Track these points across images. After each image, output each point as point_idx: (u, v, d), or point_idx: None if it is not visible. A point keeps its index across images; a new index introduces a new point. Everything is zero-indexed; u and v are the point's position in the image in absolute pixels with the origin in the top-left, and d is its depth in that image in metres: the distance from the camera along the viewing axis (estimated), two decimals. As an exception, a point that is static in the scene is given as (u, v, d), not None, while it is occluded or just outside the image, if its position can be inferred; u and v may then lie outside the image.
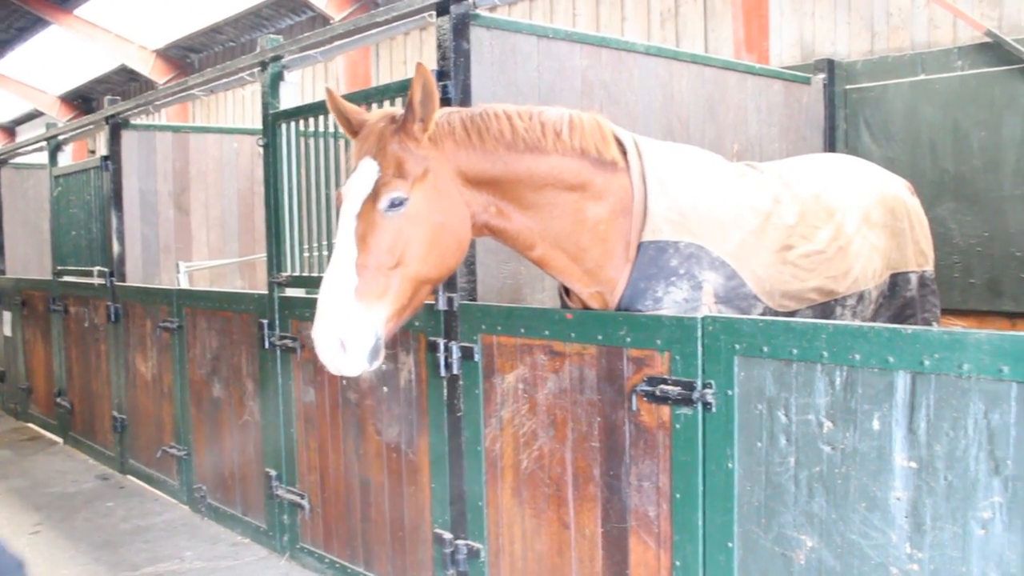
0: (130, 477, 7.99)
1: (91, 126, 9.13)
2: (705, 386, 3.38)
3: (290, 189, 5.64)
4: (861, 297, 4.49)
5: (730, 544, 3.37)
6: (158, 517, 6.99)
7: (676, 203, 3.79)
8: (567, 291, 4.12)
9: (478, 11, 4.45)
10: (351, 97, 4.72)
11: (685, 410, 3.45)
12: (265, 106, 5.85)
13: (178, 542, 6.44)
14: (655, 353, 3.55)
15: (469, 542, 4.47)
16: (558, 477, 4.00)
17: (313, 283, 5.57)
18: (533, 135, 3.65)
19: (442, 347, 4.44)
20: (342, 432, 5.28)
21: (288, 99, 5.90)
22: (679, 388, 3.45)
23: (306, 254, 5.62)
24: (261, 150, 5.91)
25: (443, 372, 4.45)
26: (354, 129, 3.73)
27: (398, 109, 3.70)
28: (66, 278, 9.07)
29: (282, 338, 5.66)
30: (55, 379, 9.55)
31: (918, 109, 6.71)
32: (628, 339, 3.64)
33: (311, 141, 5.45)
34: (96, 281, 8.27)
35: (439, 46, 4.43)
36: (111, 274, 8.04)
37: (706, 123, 5.81)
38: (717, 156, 4.36)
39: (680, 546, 3.52)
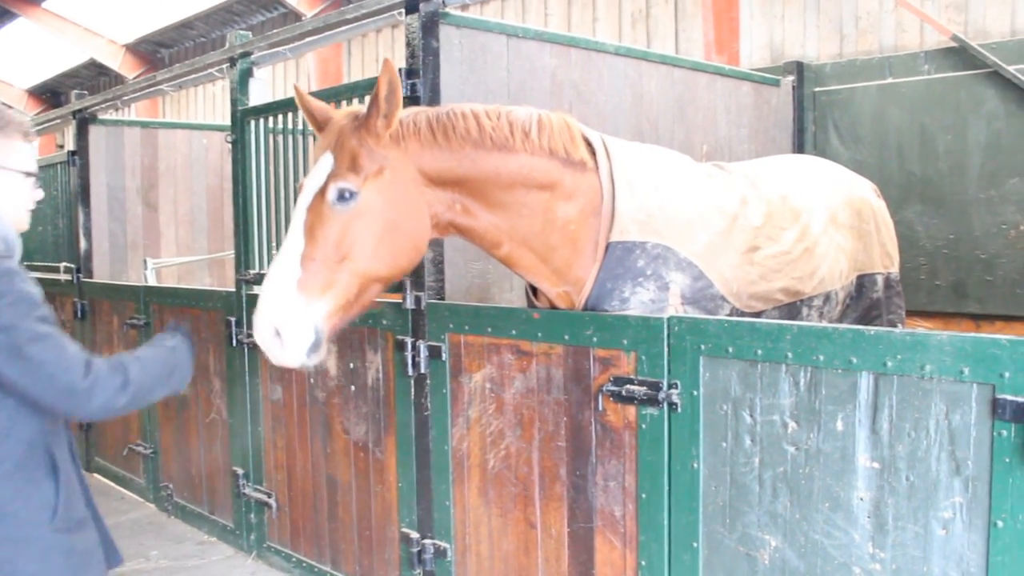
0: (96, 475, 7.91)
1: (58, 120, 9.02)
2: (671, 386, 3.40)
3: (259, 186, 5.60)
4: (827, 298, 4.52)
5: (695, 544, 3.38)
6: (124, 516, 6.92)
7: (644, 204, 3.79)
8: (534, 291, 4.12)
9: (447, 10, 4.43)
10: (320, 94, 4.70)
11: (651, 410, 3.46)
12: (234, 102, 5.81)
13: (144, 541, 6.38)
14: (621, 353, 3.56)
15: (436, 541, 4.47)
16: (525, 477, 4.00)
17: (281, 281, 5.54)
18: (501, 134, 3.64)
19: (410, 346, 4.42)
20: (309, 431, 5.25)
21: (258, 96, 5.86)
22: (645, 388, 3.46)
23: (274, 252, 5.58)
24: (230, 147, 5.88)
25: (411, 371, 4.44)
26: (321, 126, 3.72)
27: (364, 107, 3.69)
28: (32, 274, 8.91)
29: (250, 336, 5.61)
30: (20, 376, 9.40)
31: (885, 112, 6.77)
32: (595, 339, 3.65)
33: (280, 138, 5.41)
34: (63, 277, 8.19)
35: (408, 44, 4.41)
36: (78, 270, 7.96)
37: (675, 124, 5.83)
38: (685, 157, 4.37)
39: (646, 546, 3.53)
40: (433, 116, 3.66)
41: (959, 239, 6.48)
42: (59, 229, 8.40)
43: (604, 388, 3.60)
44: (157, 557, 6.07)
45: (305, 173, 5.08)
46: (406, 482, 4.60)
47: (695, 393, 3.34)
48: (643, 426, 3.50)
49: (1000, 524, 2.65)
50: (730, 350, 3.23)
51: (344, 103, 4.67)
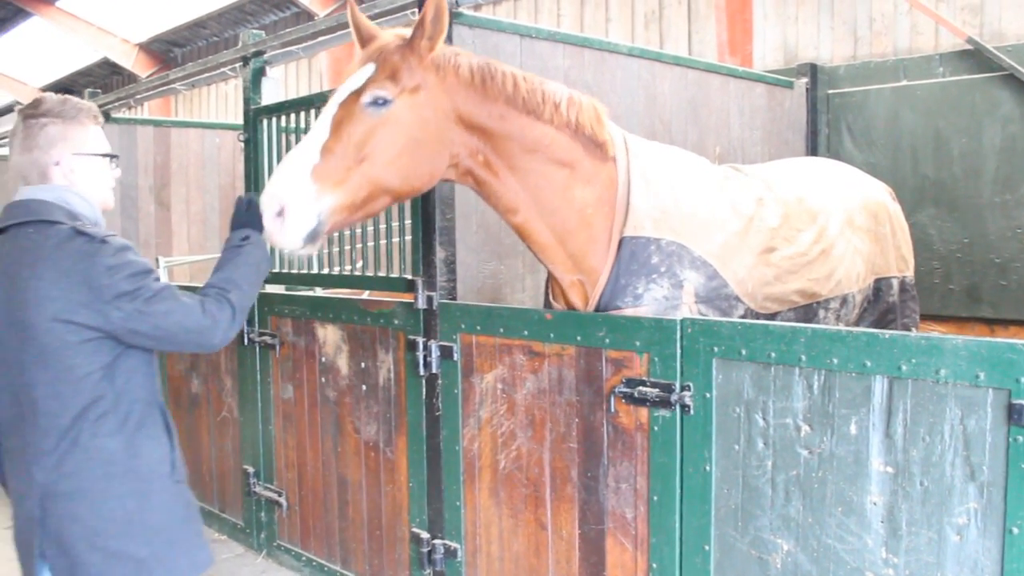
0: (106, 473, 7.92)
1: (71, 119, 9.04)
2: (683, 388, 3.38)
3: (271, 185, 5.59)
4: (845, 301, 4.50)
5: (707, 547, 3.37)
6: (134, 513, 6.91)
7: (659, 200, 3.80)
8: (550, 291, 4.11)
9: (461, 9, 4.43)
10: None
11: (663, 412, 3.45)
12: (246, 101, 5.82)
13: (153, 539, 6.38)
14: (634, 355, 3.55)
15: (446, 542, 4.46)
16: (536, 478, 3.99)
17: (292, 279, 5.55)
18: (534, 99, 3.69)
19: (421, 346, 4.42)
20: (320, 430, 5.25)
21: (270, 95, 5.87)
22: (657, 390, 3.44)
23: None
24: (242, 145, 5.88)
25: (422, 371, 4.44)
26: (365, 43, 3.76)
27: (410, 30, 3.70)
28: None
29: (261, 334, 5.62)
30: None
31: (900, 115, 6.74)
32: (607, 340, 3.64)
33: (292, 137, 5.42)
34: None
35: (422, 43, 4.40)
36: (90, 268, 7.95)
37: (688, 125, 5.81)
38: (702, 158, 4.37)
39: (657, 548, 3.52)
40: (475, 62, 3.70)
41: (973, 243, 6.44)
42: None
43: (616, 390, 3.59)
44: (167, 555, 6.06)
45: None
46: (417, 482, 4.59)
47: (708, 395, 3.32)
48: (655, 428, 3.48)
49: (1015, 531, 2.63)
50: (743, 352, 3.21)
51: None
